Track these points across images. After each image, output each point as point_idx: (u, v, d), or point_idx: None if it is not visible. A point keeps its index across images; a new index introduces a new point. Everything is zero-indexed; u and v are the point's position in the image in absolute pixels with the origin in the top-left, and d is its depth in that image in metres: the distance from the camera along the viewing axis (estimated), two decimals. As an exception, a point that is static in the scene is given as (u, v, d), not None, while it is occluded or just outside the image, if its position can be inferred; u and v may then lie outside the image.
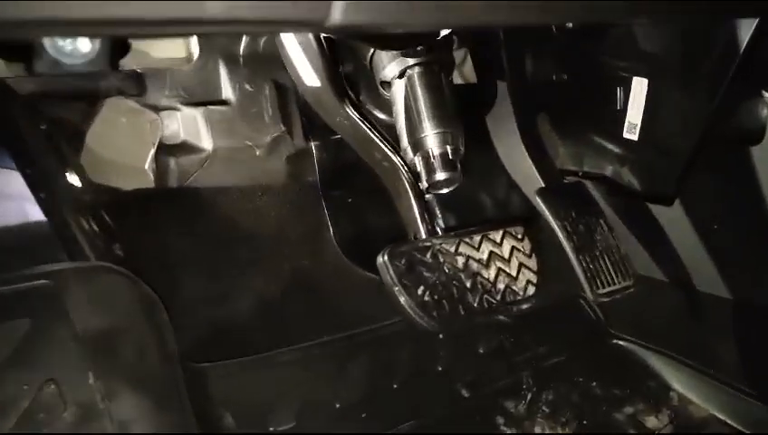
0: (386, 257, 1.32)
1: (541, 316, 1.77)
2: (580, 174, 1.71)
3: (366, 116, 1.40)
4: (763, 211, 1.42)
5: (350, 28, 0.66)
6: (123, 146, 1.48)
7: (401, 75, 1.32)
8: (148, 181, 1.51)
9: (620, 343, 1.93)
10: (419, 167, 1.31)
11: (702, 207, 1.54)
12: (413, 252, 1.36)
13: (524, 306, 1.45)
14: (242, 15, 0.59)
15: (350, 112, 1.38)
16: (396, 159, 1.42)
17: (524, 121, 1.72)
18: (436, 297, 1.31)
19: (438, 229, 1.49)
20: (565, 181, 1.69)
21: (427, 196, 1.51)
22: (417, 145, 1.30)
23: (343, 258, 1.71)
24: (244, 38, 1.56)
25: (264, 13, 0.60)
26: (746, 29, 1.31)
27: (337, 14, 0.62)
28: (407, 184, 1.43)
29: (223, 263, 1.55)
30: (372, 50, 1.35)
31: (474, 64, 1.85)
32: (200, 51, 1.52)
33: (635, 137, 1.57)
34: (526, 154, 1.69)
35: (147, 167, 1.52)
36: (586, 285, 1.45)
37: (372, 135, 1.42)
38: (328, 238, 1.69)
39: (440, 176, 1.28)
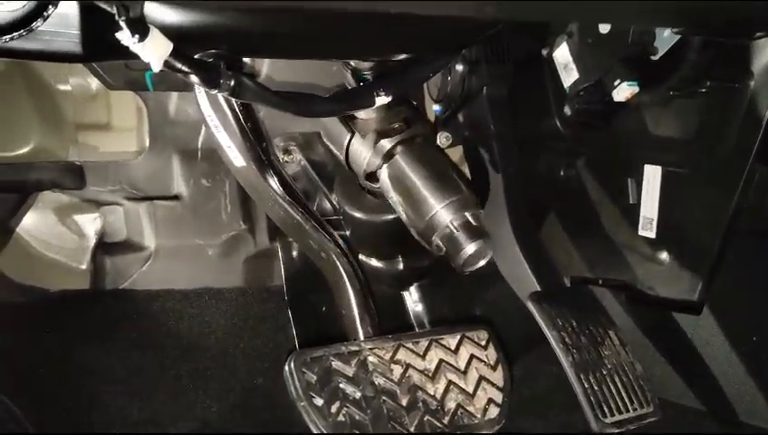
0: (292, 364, 1.08)
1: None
2: (600, 282, 1.47)
3: (298, 199, 1.21)
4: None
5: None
6: (56, 243, 1.34)
7: (387, 159, 1.15)
8: (83, 282, 1.35)
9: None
10: (445, 249, 1.10)
11: (737, 315, 1.25)
12: (331, 358, 1.10)
13: (483, 432, 1.14)
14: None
15: (278, 195, 1.18)
16: (332, 247, 1.21)
17: (519, 220, 1.51)
18: (356, 417, 1.04)
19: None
20: (568, 287, 1.44)
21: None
22: (432, 227, 1.09)
23: None
24: (203, 131, 1.45)
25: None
26: (766, 96, 1.14)
27: None
28: (345, 277, 1.21)
29: (158, 379, 1.33)
30: (347, 142, 1.19)
31: (467, 161, 1.68)
32: (152, 143, 1.41)
33: (652, 234, 1.38)
34: (521, 256, 1.45)
35: (84, 267, 1.37)
36: (589, 412, 1.14)
37: (305, 221, 1.21)
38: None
39: (470, 249, 1.06)
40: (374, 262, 1.46)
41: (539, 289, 1.38)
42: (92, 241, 1.38)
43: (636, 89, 1.24)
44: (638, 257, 1.39)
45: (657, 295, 1.36)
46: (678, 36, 1.16)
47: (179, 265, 1.43)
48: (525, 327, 1.47)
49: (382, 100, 1.01)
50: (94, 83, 1.36)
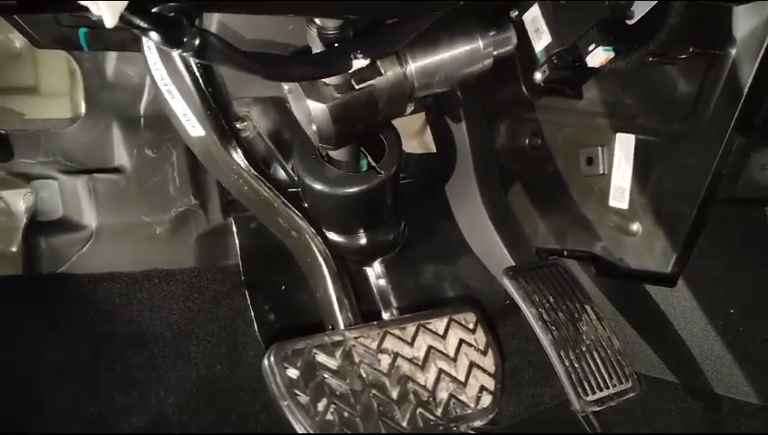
0: (272, 359, 0.99)
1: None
2: (565, 253, 1.44)
3: (265, 173, 1.10)
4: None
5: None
6: (-20, 224, 1.19)
7: None
8: (15, 268, 1.21)
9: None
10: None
11: (713, 287, 1.24)
12: (314, 351, 1.02)
13: (477, 423, 1.09)
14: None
15: (242, 169, 1.08)
16: (305, 226, 1.12)
17: (490, 192, 1.46)
18: (345, 414, 0.97)
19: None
20: (542, 260, 1.39)
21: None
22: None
23: None
24: (145, 95, 1.31)
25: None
26: (748, 64, 1.11)
27: None
28: (320, 258, 1.13)
29: (108, 371, 1.21)
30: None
31: (432, 132, 1.60)
32: (88, 110, 1.26)
33: (624, 205, 1.35)
34: (493, 229, 1.39)
35: (15, 249, 1.22)
36: (570, 391, 1.11)
37: (273, 197, 1.11)
38: (251, 337, 1.35)
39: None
40: (335, 236, 1.37)
41: (513, 263, 1.34)
42: (23, 220, 1.23)
43: (612, 54, 1.19)
44: (609, 228, 1.37)
45: (629, 267, 1.34)
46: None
47: (124, 246, 1.30)
48: (494, 301, 1.44)
49: (360, 63, 0.91)
50: (18, 41, 1.21)
